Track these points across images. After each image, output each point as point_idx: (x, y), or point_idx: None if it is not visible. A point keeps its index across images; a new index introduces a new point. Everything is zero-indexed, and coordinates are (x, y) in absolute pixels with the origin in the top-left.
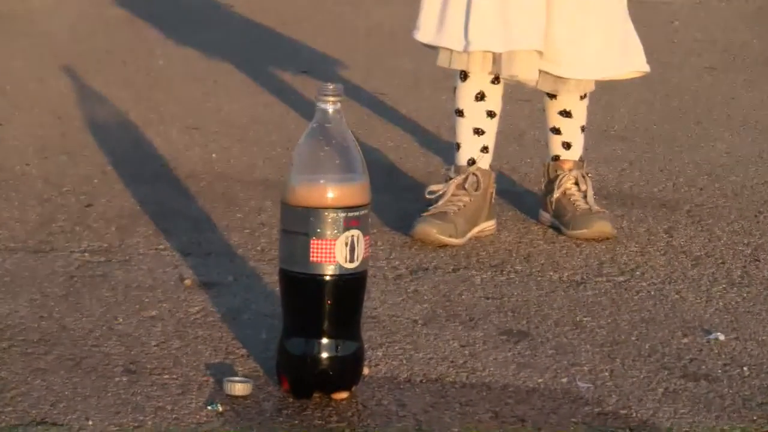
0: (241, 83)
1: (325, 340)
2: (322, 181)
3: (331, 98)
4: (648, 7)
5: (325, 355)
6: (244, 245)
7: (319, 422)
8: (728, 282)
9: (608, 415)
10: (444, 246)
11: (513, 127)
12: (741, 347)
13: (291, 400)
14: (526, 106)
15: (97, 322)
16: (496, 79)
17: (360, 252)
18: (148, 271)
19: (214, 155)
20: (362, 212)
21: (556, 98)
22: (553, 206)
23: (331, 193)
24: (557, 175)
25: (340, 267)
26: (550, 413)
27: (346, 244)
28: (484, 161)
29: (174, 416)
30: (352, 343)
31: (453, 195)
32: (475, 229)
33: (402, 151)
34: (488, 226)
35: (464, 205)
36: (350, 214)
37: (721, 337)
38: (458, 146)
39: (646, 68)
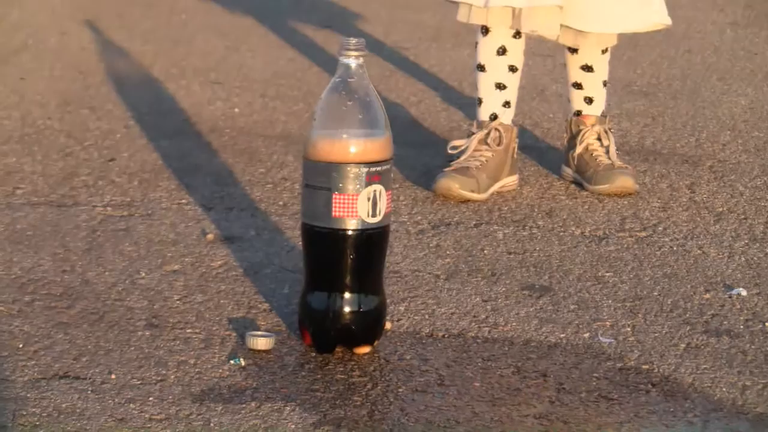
0: (263, 38)
1: (347, 295)
2: (344, 136)
3: (354, 53)
4: None
5: (347, 309)
6: (266, 200)
7: (341, 377)
8: (750, 237)
9: (630, 370)
10: (466, 201)
11: (535, 82)
12: (763, 303)
13: (313, 354)
14: (548, 61)
15: (119, 276)
16: (517, 34)
17: (382, 207)
18: (171, 226)
19: (236, 110)
20: (384, 167)
21: (577, 53)
22: (576, 161)
23: (354, 147)
24: (579, 131)
25: (362, 221)
26: (572, 368)
27: (369, 199)
28: (507, 116)
29: (196, 370)
30: (375, 298)
31: (475, 150)
32: (497, 185)
33: (424, 106)
34: (510, 181)
35: (486, 161)
36: (372, 169)
37: (743, 293)
38: (480, 101)
39: (668, 21)
